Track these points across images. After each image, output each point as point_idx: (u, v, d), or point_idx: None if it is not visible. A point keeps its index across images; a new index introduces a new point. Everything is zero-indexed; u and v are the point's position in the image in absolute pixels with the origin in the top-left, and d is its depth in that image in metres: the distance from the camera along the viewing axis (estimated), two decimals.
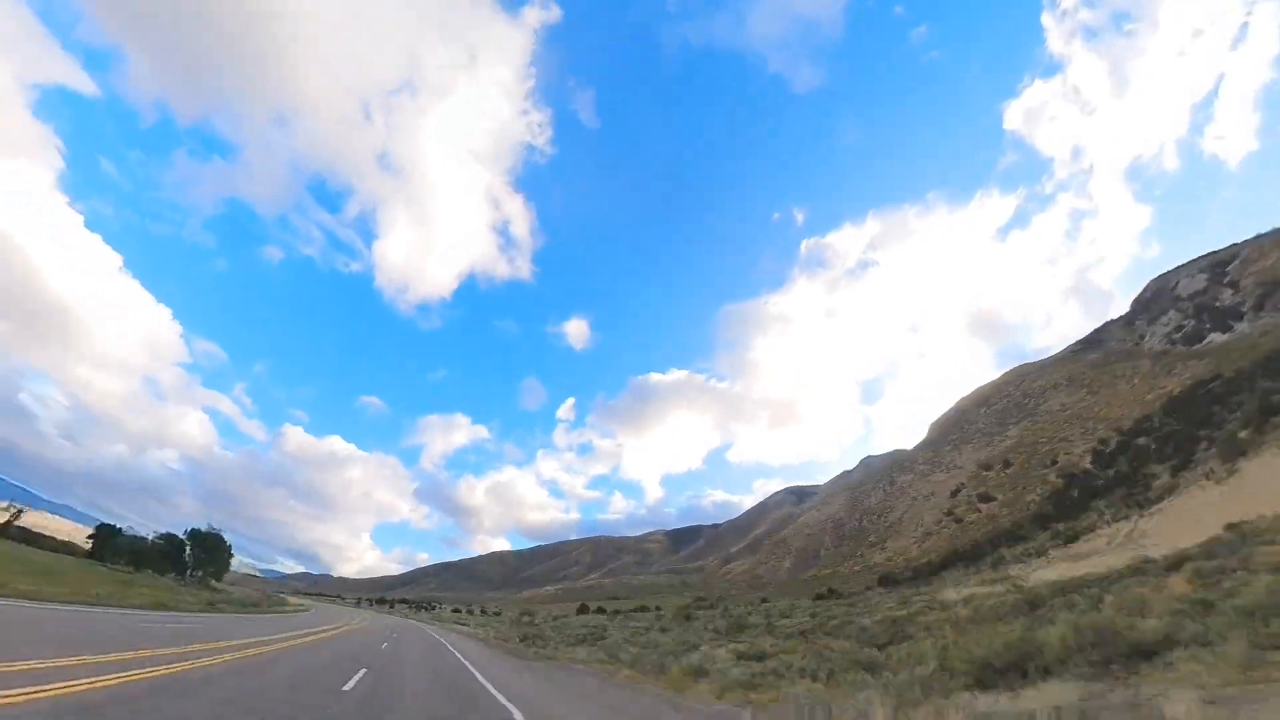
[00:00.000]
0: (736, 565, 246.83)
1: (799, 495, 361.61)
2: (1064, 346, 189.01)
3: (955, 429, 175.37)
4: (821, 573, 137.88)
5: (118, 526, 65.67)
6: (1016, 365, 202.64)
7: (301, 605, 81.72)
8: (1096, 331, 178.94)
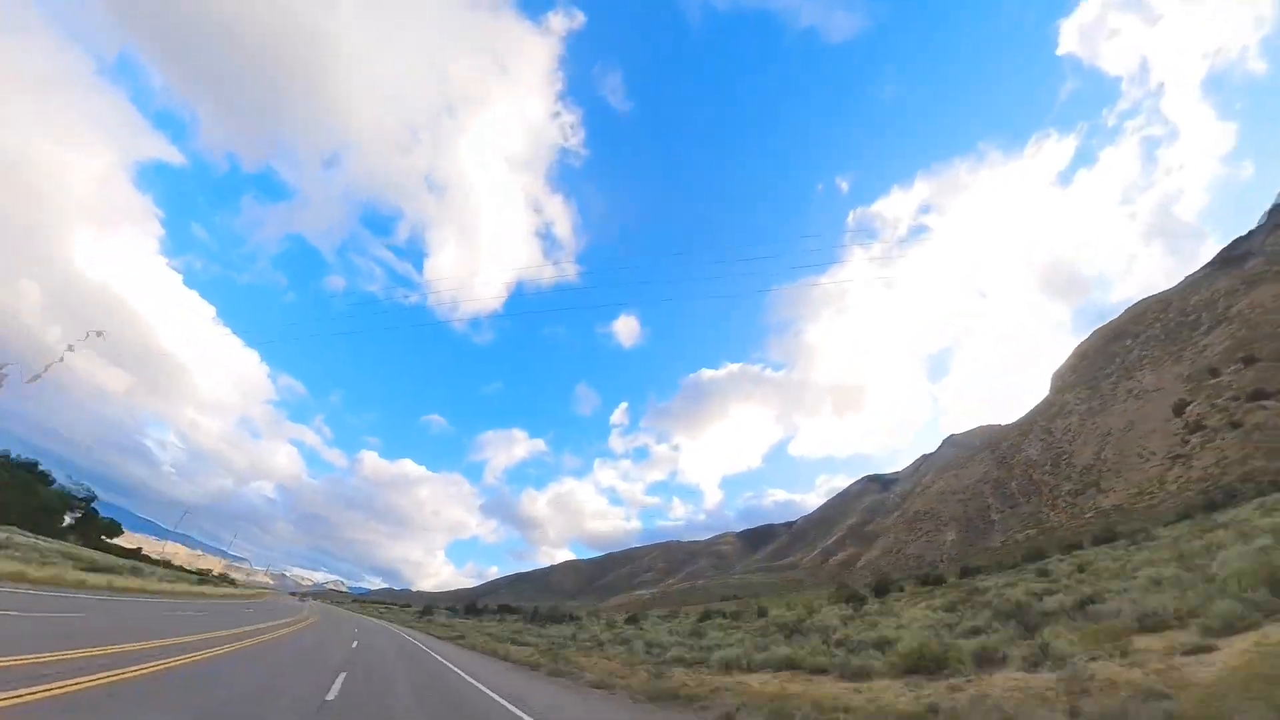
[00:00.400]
0: (842, 555, 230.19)
1: (882, 483, 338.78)
2: (1145, 296, 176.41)
3: (1103, 363, 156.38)
4: (1019, 534, 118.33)
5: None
6: (1139, 299, 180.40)
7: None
8: (1233, 245, 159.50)
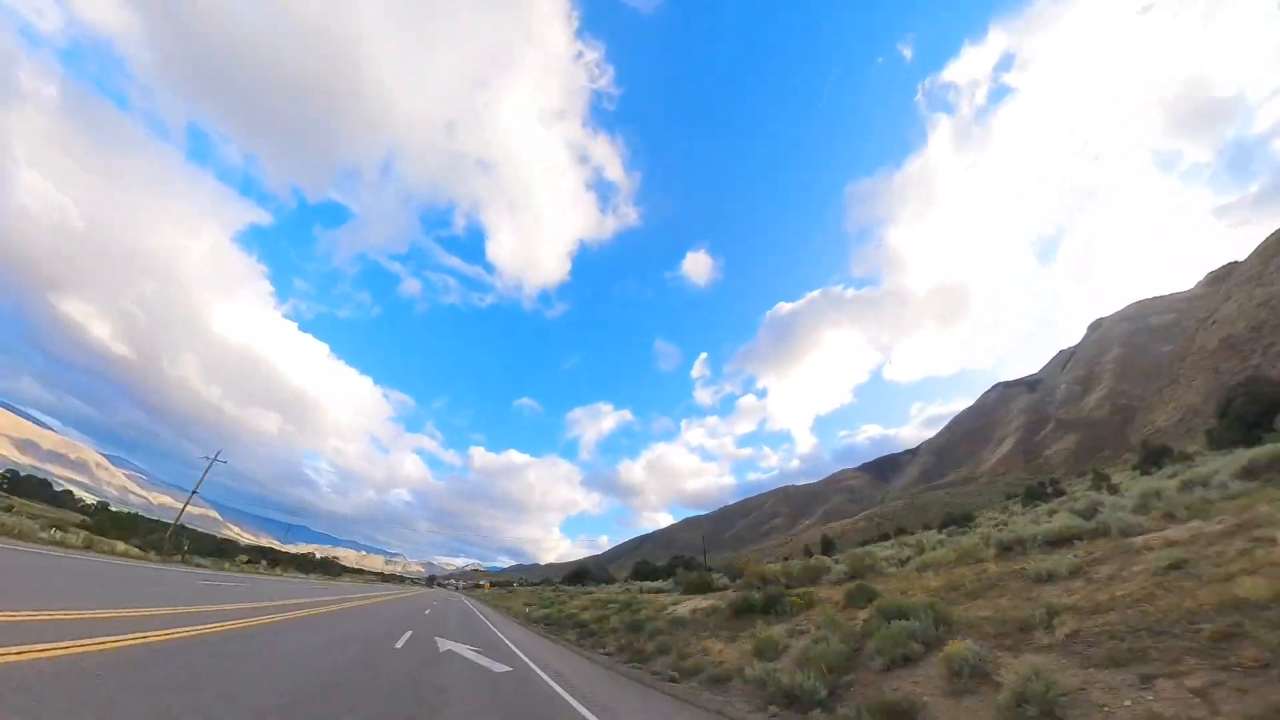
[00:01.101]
0: (1020, 456, 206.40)
1: (1028, 386, 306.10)
2: None
3: None
4: None
5: None
6: None
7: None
8: None
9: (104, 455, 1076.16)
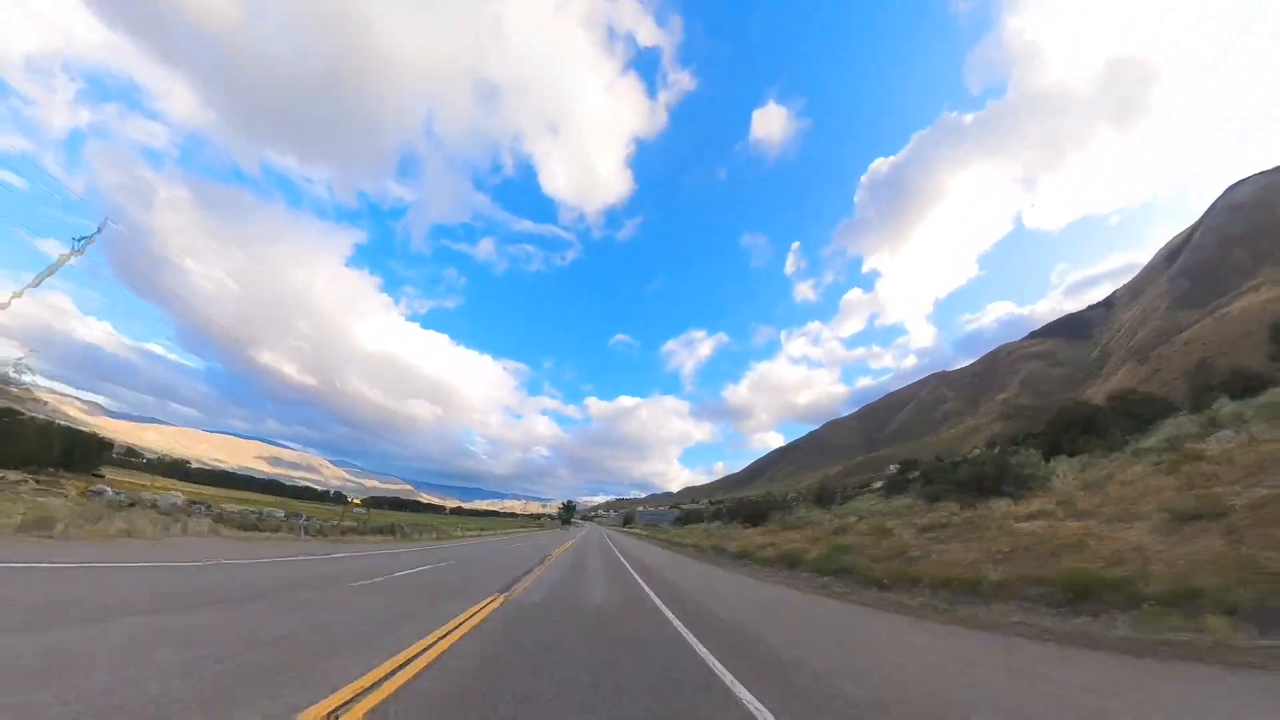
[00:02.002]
0: None
1: None
2: None
3: None
4: None
5: None
6: None
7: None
8: None
9: (327, 459, 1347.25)
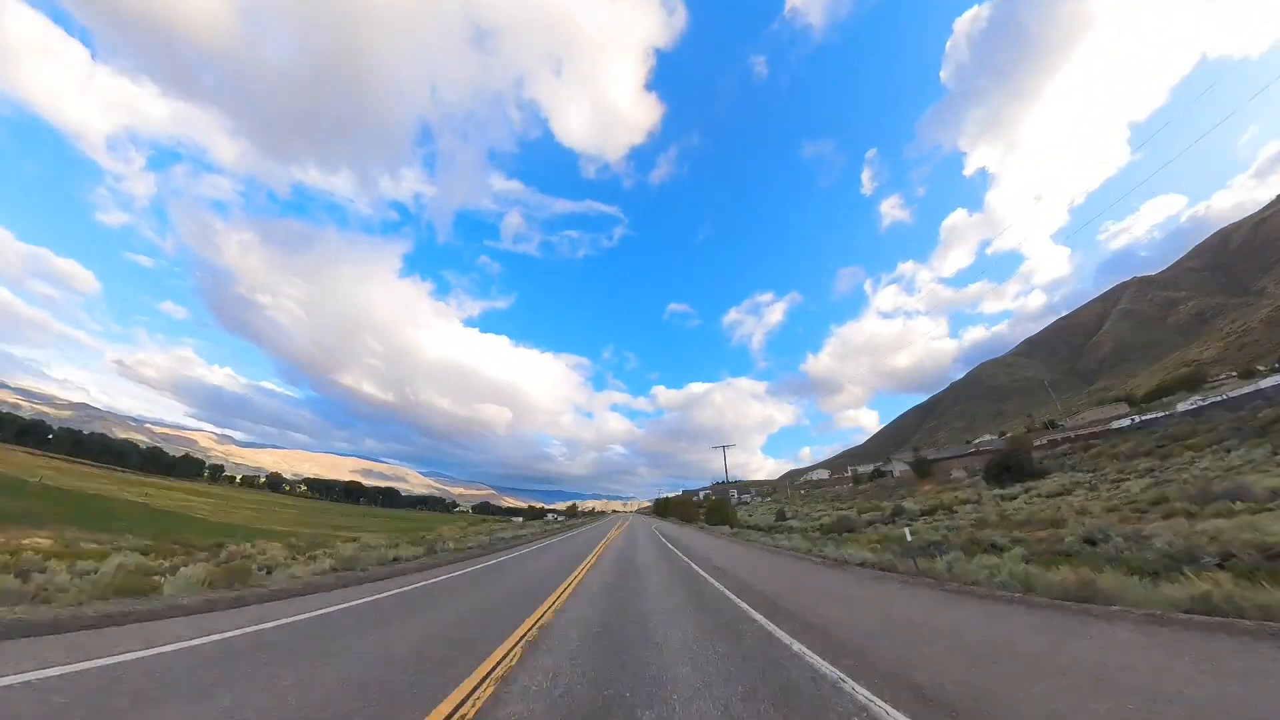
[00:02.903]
0: None
1: None
2: None
3: None
4: None
5: None
6: None
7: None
8: None
9: (416, 470, 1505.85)
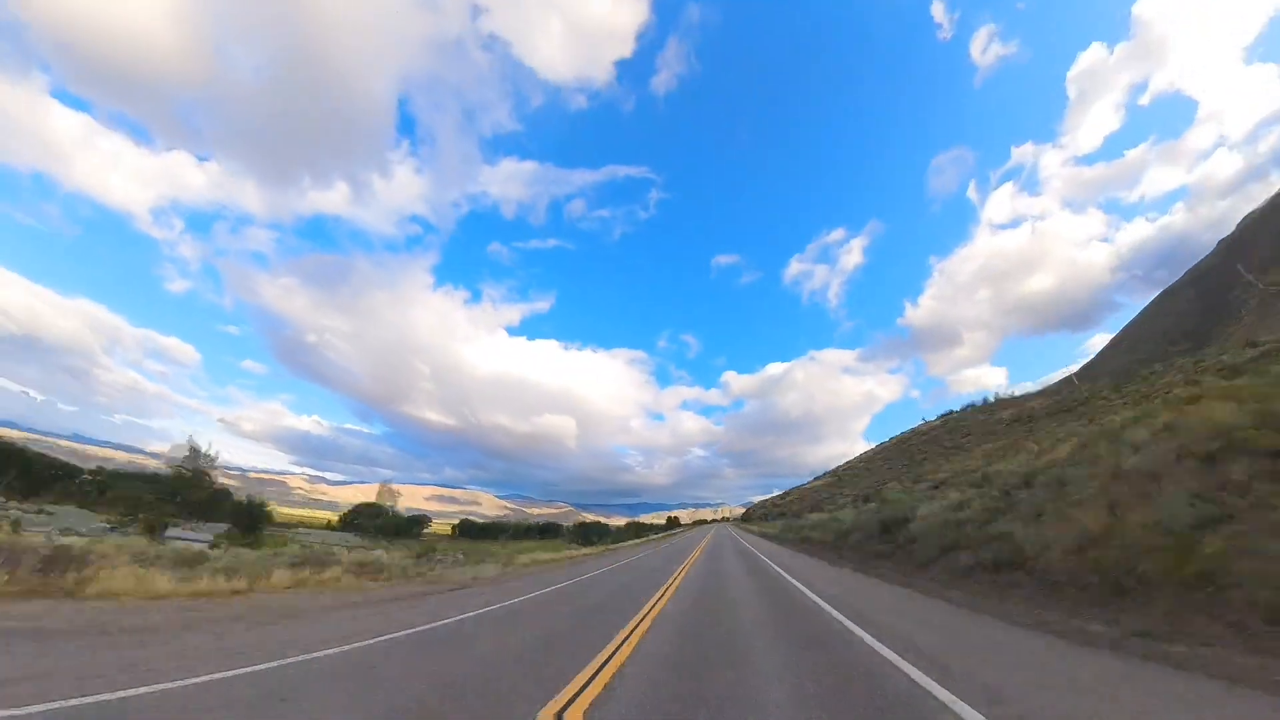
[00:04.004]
0: None
1: None
2: None
3: None
4: None
5: None
6: None
7: None
8: None
9: (492, 493, 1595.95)
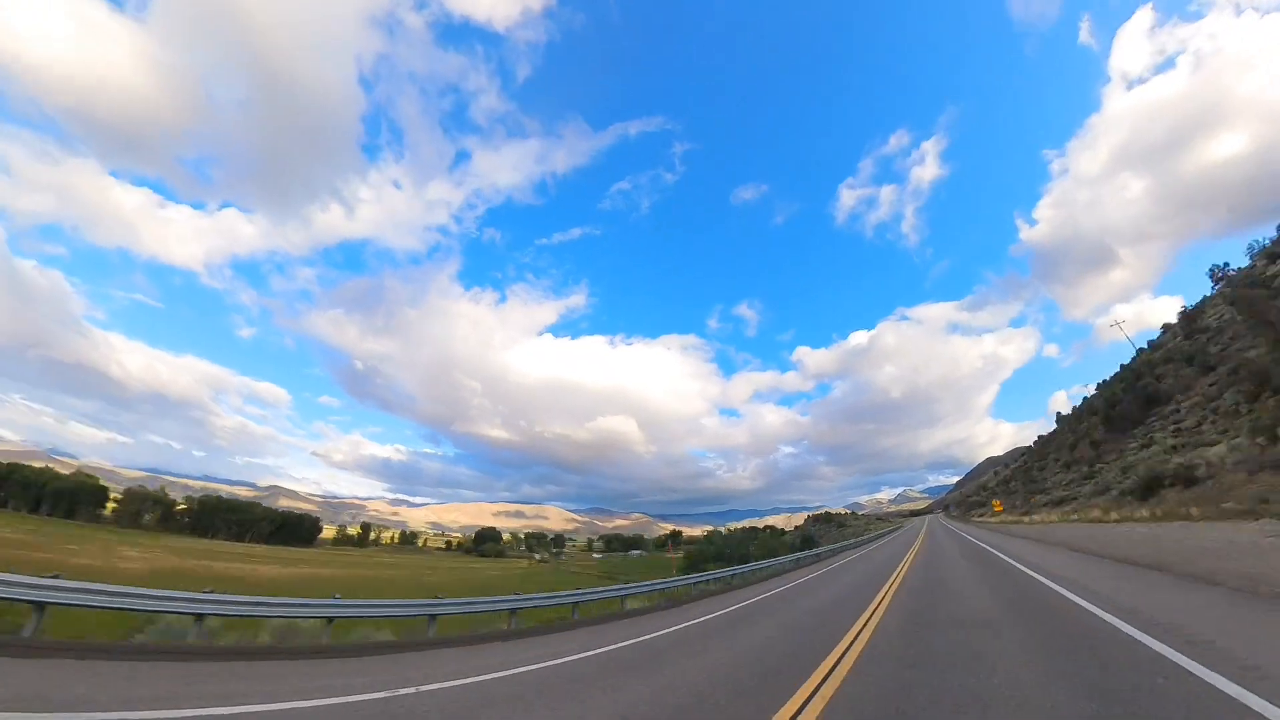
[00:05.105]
0: None
1: None
2: None
3: None
4: None
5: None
6: None
7: None
8: None
9: (565, 507, 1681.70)
